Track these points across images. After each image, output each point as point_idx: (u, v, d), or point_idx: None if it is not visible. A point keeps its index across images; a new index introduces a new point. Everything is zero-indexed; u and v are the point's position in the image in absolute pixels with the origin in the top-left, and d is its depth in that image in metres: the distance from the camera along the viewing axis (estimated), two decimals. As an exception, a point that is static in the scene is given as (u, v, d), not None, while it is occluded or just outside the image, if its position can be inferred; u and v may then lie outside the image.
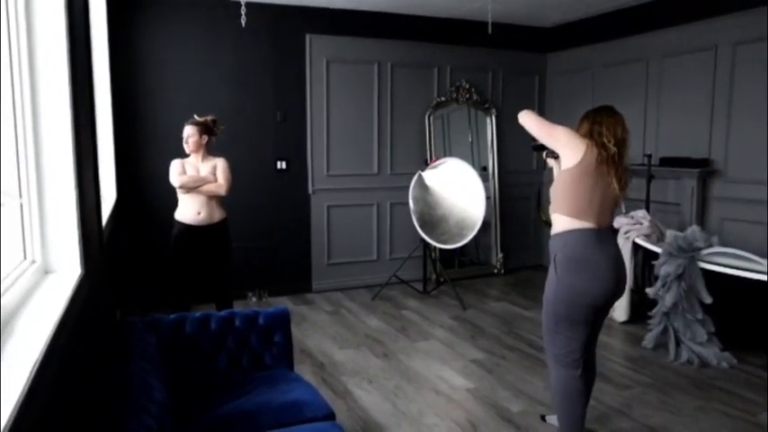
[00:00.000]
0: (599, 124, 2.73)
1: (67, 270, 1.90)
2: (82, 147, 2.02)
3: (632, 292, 5.11)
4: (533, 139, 2.94)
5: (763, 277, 3.92)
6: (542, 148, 3.01)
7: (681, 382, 3.93)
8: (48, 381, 1.30)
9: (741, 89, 5.03)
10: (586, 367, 2.89)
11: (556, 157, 2.93)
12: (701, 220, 5.32)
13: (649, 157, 5.39)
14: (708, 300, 4.13)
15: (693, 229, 4.45)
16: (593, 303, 2.73)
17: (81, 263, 1.90)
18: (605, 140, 2.69)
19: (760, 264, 4.06)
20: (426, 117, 6.57)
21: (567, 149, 2.73)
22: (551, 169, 3.15)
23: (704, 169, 5.28)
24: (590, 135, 2.73)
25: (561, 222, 2.77)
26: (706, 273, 4.20)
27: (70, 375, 1.67)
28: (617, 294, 2.80)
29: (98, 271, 2.36)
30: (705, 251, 4.30)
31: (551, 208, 2.85)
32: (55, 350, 1.35)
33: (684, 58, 5.53)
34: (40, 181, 1.84)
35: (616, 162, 2.71)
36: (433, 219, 5.93)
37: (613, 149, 2.69)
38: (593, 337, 2.91)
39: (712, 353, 4.17)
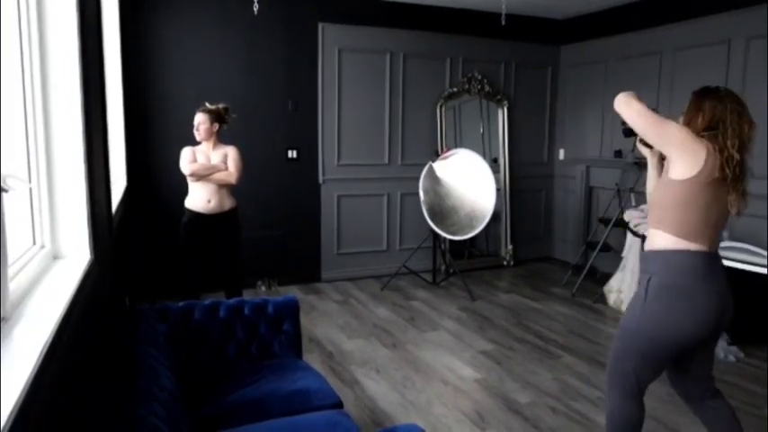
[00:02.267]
0: (723, 122, 2.14)
1: (77, 256, 1.91)
2: (92, 132, 2.02)
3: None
4: (624, 123, 2.40)
5: (764, 270, 3.90)
6: (635, 132, 2.40)
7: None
8: (56, 366, 1.30)
9: (754, 84, 4.97)
10: (714, 410, 2.44)
11: (651, 146, 2.41)
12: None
13: (661, 150, 5.33)
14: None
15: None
16: (682, 344, 2.24)
17: (90, 249, 1.91)
18: (729, 144, 2.11)
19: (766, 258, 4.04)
20: (438, 108, 6.54)
21: (682, 154, 2.13)
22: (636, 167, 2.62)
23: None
24: (711, 134, 2.16)
25: (666, 240, 2.21)
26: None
27: (78, 361, 1.68)
28: (719, 329, 2.28)
29: (107, 257, 2.37)
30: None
31: (651, 220, 2.32)
32: (63, 335, 1.36)
33: (697, 51, 5.48)
34: (50, 166, 1.85)
35: (737, 174, 2.12)
36: (443, 210, 5.92)
37: (737, 157, 2.10)
38: (707, 367, 2.43)
39: (720, 347, 4.16)
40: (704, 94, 2.26)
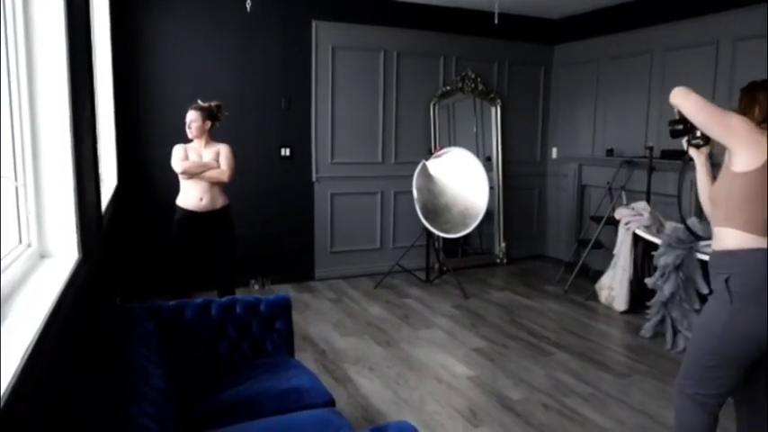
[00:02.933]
0: None
1: (64, 254, 1.90)
2: (81, 130, 2.01)
3: (631, 282, 5.13)
4: (675, 122, 2.36)
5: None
6: (684, 132, 2.36)
7: (677, 370, 3.89)
8: (41, 367, 1.29)
9: (741, 84, 4.98)
10: (762, 413, 2.36)
11: (701, 146, 2.37)
12: (700, 211, 5.29)
13: (651, 149, 5.38)
14: (705, 290, 4.12)
15: (692, 221, 4.44)
16: None
17: (78, 247, 1.90)
18: None
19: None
20: (431, 106, 6.54)
21: (746, 145, 2.09)
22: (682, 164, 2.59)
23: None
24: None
25: (738, 238, 2.16)
26: (703, 263, 4.20)
27: (66, 361, 1.67)
28: None
29: (97, 256, 2.36)
30: (703, 242, 4.29)
31: (716, 218, 2.26)
32: (48, 336, 1.35)
33: (687, 52, 5.55)
34: (37, 164, 1.83)
35: None
36: (436, 208, 5.92)
37: None
38: (765, 379, 2.33)
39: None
40: (755, 88, 2.26)
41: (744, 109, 2.25)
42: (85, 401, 1.73)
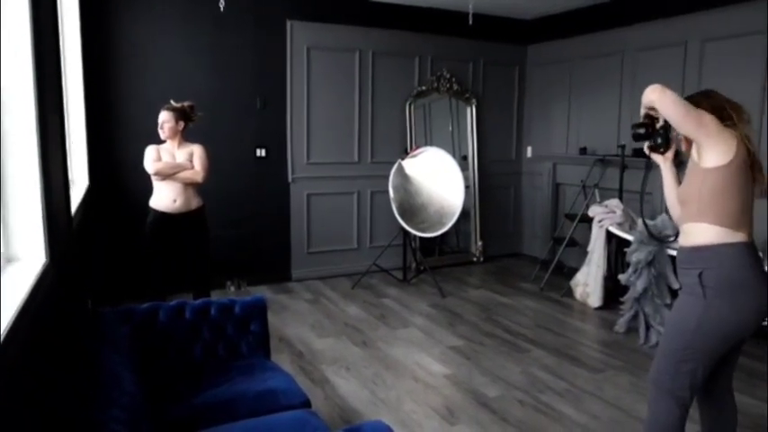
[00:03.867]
0: (724, 110, 2.21)
1: (31, 259, 1.86)
2: (47, 131, 1.97)
3: (605, 278, 5.21)
4: (637, 125, 2.39)
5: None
6: (646, 137, 2.40)
7: (650, 364, 3.95)
8: (6, 372, 1.27)
9: (708, 84, 5.06)
10: (724, 408, 2.44)
11: (661, 150, 2.41)
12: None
13: (623, 147, 5.46)
14: (676, 285, 4.19)
15: (663, 218, 4.51)
16: (742, 336, 2.26)
17: (46, 251, 1.87)
18: (743, 130, 2.18)
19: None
20: (407, 106, 6.55)
21: (717, 141, 2.14)
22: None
23: (674, 160, 5.32)
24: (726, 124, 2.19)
25: (710, 233, 2.19)
26: (674, 259, 4.26)
27: (33, 367, 1.64)
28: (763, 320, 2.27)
29: (66, 259, 2.32)
30: (674, 239, 4.37)
31: (688, 215, 2.28)
32: (14, 341, 1.32)
33: (657, 52, 5.65)
34: (1, 166, 1.79)
35: (756, 158, 2.20)
36: (412, 207, 5.93)
37: (754, 146, 2.19)
38: (730, 369, 2.42)
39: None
40: (690, 97, 2.30)
41: None
42: (55, 408, 1.70)
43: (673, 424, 2.31)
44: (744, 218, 2.19)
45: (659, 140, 2.37)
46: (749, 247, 2.19)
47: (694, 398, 2.34)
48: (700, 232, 2.23)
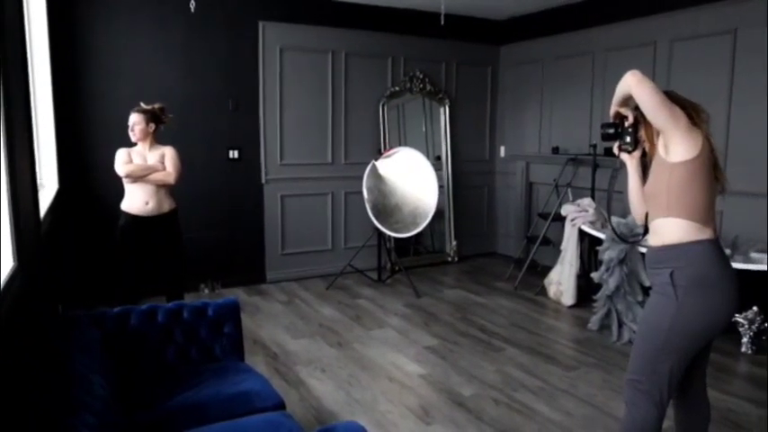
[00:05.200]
0: (696, 111, 2.22)
1: (-1, 263, 1.83)
2: (15, 133, 1.94)
3: (578, 277, 5.27)
4: (607, 125, 2.41)
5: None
6: (615, 136, 2.40)
7: (623, 361, 4.04)
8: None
9: (677, 83, 5.21)
10: (699, 405, 2.46)
11: (630, 150, 2.41)
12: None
13: (594, 146, 5.53)
14: (647, 282, 4.26)
15: (634, 216, 4.58)
16: (714, 334, 2.28)
17: (14, 255, 1.84)
18: (705, 129, 2.20)
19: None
20: (380, 106, 6.56)
21: (686, 135, 2.15)
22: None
23: (645, 158, 5.41)
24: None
25: (679, 231, 2.20)
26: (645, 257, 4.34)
27: (2, 372, 1.61)
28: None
29: (35, 263, 2.28)
30: (642, 237, 4.44)
31: (657, 210, 2.29)
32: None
33: (626, 52, 5.74)
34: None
35: (716, 156, 2.24)
36: (386, 208, 5.94)
37: (715, 145, 2.23)
38: (703, 367, 2.44)
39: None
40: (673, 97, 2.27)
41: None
42: (25, 413, 1.67)
43: (651, 425, 2.30)
44: (710, 213, 2.21)
45: (628, 139, 2.39)
46: (716, 244, 2.21)
47: (671, 397, 2.34)
48: (669, 229, 2.23)
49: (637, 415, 2.32)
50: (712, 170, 2.20)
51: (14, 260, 1.84)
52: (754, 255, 4.32)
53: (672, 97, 2.22)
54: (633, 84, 2.18)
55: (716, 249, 2.20)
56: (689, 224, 2.19)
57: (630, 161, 2.45)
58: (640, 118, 2.31)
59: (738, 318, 4.20)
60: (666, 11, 5.31)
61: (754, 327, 4.18)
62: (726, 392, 3.59)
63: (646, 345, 2.31)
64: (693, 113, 2.21)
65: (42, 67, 4.41)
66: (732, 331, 4.26)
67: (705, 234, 2.19)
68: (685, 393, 2.46)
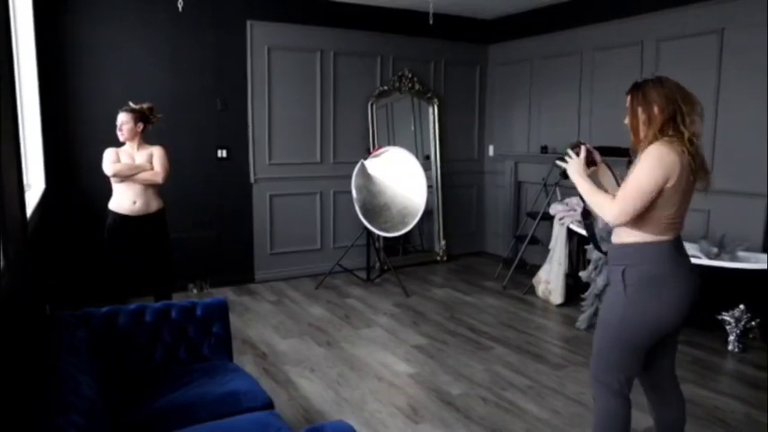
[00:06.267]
0: (676, 103, 2.22)
1: (-15, 263, 1.82)
2: (0, 132, 1.93)
3: (567, 276, 5.30)
4: (557, 166, 2.54)
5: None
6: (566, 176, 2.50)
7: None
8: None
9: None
10: (671, 400, 2.51)
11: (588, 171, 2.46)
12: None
13: (583, 145, 5.54)
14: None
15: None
16: (664, 330, 2.32)
17: (0, 255, 1.82)
18: (692, 132, 2.21)
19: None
20: (369, 106, 6.56)
21: (662, 183, 2.17)
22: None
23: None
24: (671, 137, 2.20)
25: (636, 234, 2.27)
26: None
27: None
28: (690, 313, 2.33)
29: (21, 264, 2.27)
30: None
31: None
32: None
33: (614, 52, 5.77)
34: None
35: (701, 159, 2.25)
36: (375, 207, 5.94)
37: (698, 143, 2.23)
38: (669, 362, 2.49)
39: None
40: (642, 86, 2.28)
41: (645, 112, 2.25)
42: (12, 413, 1.66)
43: (616, 412, 2.39)
44: (673, 225, 2.24)
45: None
46: (674, 243, 2.26)
47: (632, 386, 2.40)
48: (628, 232, 2.28)
49: (603, 406, 2.42)
50: (690, 180, 2.19)
51: (1, 260, 1.83)
52: (740, 254, 4.36)
53: (664, 86, 2.23)
54: (611, 221, 2.25)
55: (671, 248, 2.25)
56: (647, 234, 2.24)
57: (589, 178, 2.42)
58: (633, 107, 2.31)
59: (725, 316, 4.23)
60: (653, 10, 5.35)
61: (740, 325, 4.20)
62: (713, 390, 3.62)
63: (600, 340, 2.40)
64: (685, 107, 2.19)
65: (29, 67, 4.38)
66: (719, 329, 4.31)
67: (664, 236, 2.23)
68: (656, 387, 2.52)
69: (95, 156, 4.11)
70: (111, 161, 4.00)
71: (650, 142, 2.22)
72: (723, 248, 4.42)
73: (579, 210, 2.43)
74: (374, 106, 6.59)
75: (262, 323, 4.87)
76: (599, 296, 4.51)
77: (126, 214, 4.07)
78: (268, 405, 2.50)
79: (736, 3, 4.73)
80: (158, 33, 5.44)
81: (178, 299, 3.98)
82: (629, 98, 2.33)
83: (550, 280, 5.39)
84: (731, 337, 4.25)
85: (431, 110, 7.03)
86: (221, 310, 3.02)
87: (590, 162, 2.48)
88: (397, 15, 6.51)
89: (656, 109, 2.22)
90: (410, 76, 6.77)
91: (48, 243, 4.30)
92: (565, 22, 6.24)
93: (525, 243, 5.95)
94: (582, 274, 4.73)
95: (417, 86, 6.84)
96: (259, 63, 5.94)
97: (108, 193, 4.12)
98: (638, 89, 2.29)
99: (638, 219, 2.21)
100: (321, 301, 5.48)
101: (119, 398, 2.44)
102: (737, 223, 4.69)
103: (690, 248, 4.19)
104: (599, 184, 2.45)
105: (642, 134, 2.28)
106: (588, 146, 2.50)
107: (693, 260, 4.12)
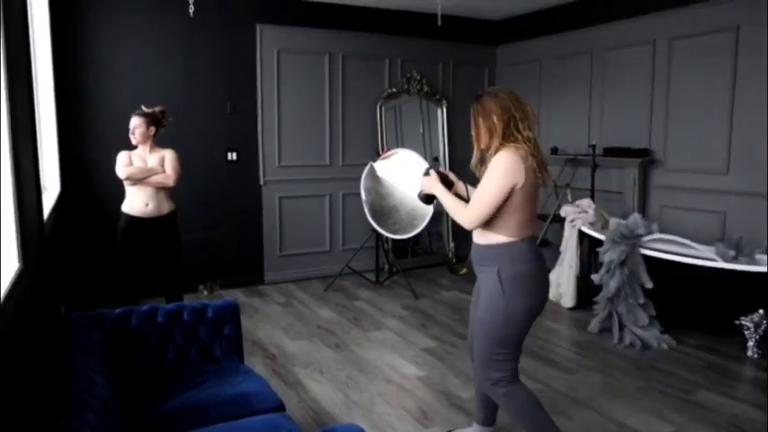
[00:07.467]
0: (510, 111, 2.51)
1: (4, 264, 1.84)
2: (18, 137, 1.95)
3: (578, 279, 5.25)
4: (421, 193, 2.86)
5: (698, 261, 4.12)
6: (431, 199, 2.86)
7: (623, 364, 4.07)
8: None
9: (677, 82, 5.23)
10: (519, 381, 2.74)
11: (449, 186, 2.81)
12: (642, 207, 5.50)
13: (594, 147, 5.54)
14: (649, 284, 4.27)
15: (635, 217, 4.59)
16: (534, 319, 2.61)
17: (19, 257, 1.85)
18: (527, 136, 2.52)
19: (695, 249, 4.24)
20: (378, 108, 6.58)
21: (506, 188, 2.45)
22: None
23: (645, 159, 5.44)
24: (512, 144, 2.47)
25: (502, 234, 2.52)
26: (647, 258, 4.35)
27: (5, 372, 1.62)
28: None
29: (39, 265, 2.30)
30: (646, 238, 4.44)
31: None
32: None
33: (625, 51, 5.72)
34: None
35: (541, 156, 2.58)
36: (384, 209, 5.94)
37: (534, 139, 2.55)
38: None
39: (653, 335, 4.33)
40: (480, 99, 2.56)
41: (486, 122, 2.53)
42: (27, 414, 1.69)
43: (526, 397, 2.63)
44: (528, 224, 2.51)
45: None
46: (533, 241, 2.54)
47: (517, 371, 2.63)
48: (494, 234, 2.52)
49: (509, 397, 2.61)
50: (536, 182, 2.46)
51: (20, 262, 1.86)
52: (758, 256, 4.28)
53: (499, 98, 2.50)
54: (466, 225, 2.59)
55: (532, 247, 2.53)
56: (510, 232, 2.48)
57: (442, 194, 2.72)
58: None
59: (744, 321, 4.13)
60: (665, 9, 5.28)
61: (760, 330, 4.09)
62: (731, 397, 3.57)
63: (485, 340, 2.59)
64: (519, 114, 2.48)
65: (45, 71, 4.43)
66: (737, 334, 4.23)
67: (526, 234, 2.50)
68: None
69: (108, 159, 4.16)
70: (123, 164, 4.04)
71: (497, 150, 2.48)
72: (740, 251, 4.32)
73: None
74: (383, 108, 6.60)
75: (271, 325, 4.89)
76: (611, 300, 4.46)
77: (138, 216, 4.11)
78: (279, 407, 2.51)
79: (751, -1, 4.63)
80: (170, 38, 5.48)
81: (189, 300, 4.01)
82: (471, 111, 2.60)
83: (561, 283, 5.37)
84: (750, 343, 4.14)
85: (439, 111, 7.03)
86: (232, 312, 3.04)
87: (447, 183, 2.80)
88: (404, 17, 6.53)
89: (494, 117, 2.48)
90: (418, 77, 6.78)
91: (62, 244, 4.34)
92: (574, 22, 6.21)
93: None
94: (594, 276, 4.70)
95: (426, 88, 6.84)
96: (268, 66, 5.97)
97: (121, 195, 4.16)
98: (477, 101, 2.56)
99: (501, 220, 2.47)
100: (330, 303, 5.49)
101: (131, 398, 2.46)
102: (755, 225, 4.59)
103: (706, 251, 4.19)
104: (461, 198, 2.75)
105: (485, 143, 2.55)
106: (443, 170, 2.91)
107: (709, 263, 4.13)
